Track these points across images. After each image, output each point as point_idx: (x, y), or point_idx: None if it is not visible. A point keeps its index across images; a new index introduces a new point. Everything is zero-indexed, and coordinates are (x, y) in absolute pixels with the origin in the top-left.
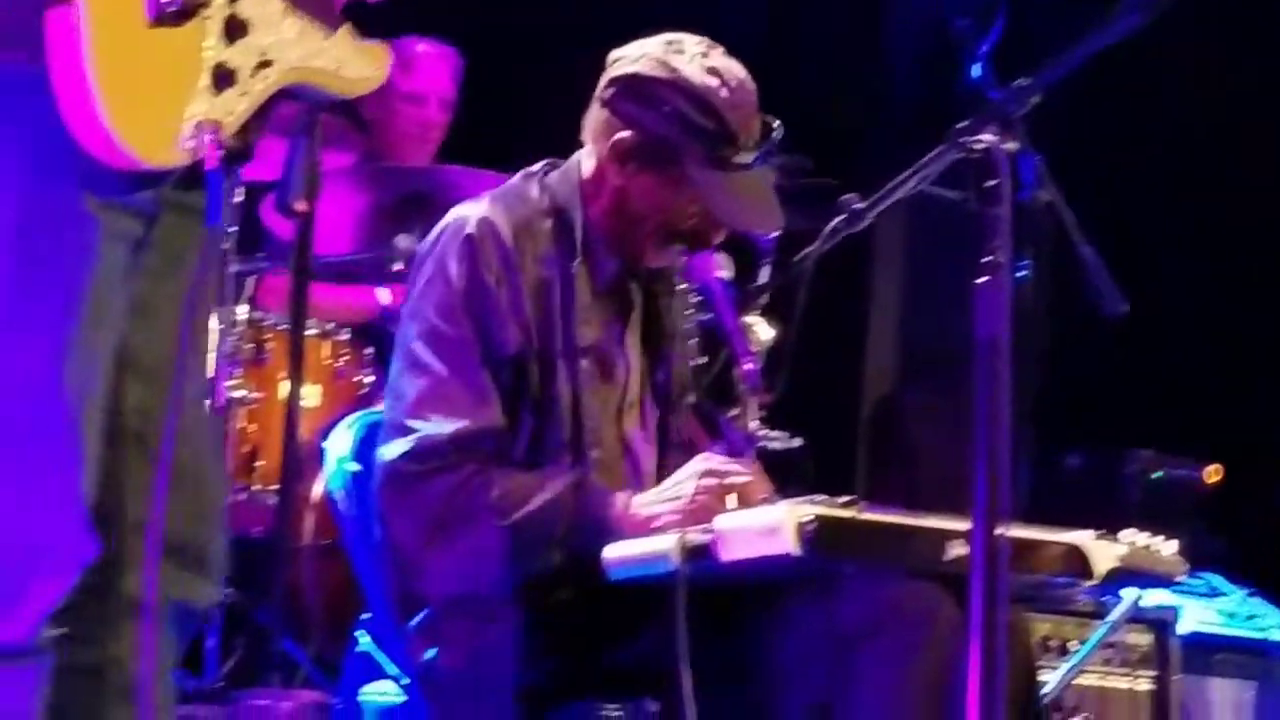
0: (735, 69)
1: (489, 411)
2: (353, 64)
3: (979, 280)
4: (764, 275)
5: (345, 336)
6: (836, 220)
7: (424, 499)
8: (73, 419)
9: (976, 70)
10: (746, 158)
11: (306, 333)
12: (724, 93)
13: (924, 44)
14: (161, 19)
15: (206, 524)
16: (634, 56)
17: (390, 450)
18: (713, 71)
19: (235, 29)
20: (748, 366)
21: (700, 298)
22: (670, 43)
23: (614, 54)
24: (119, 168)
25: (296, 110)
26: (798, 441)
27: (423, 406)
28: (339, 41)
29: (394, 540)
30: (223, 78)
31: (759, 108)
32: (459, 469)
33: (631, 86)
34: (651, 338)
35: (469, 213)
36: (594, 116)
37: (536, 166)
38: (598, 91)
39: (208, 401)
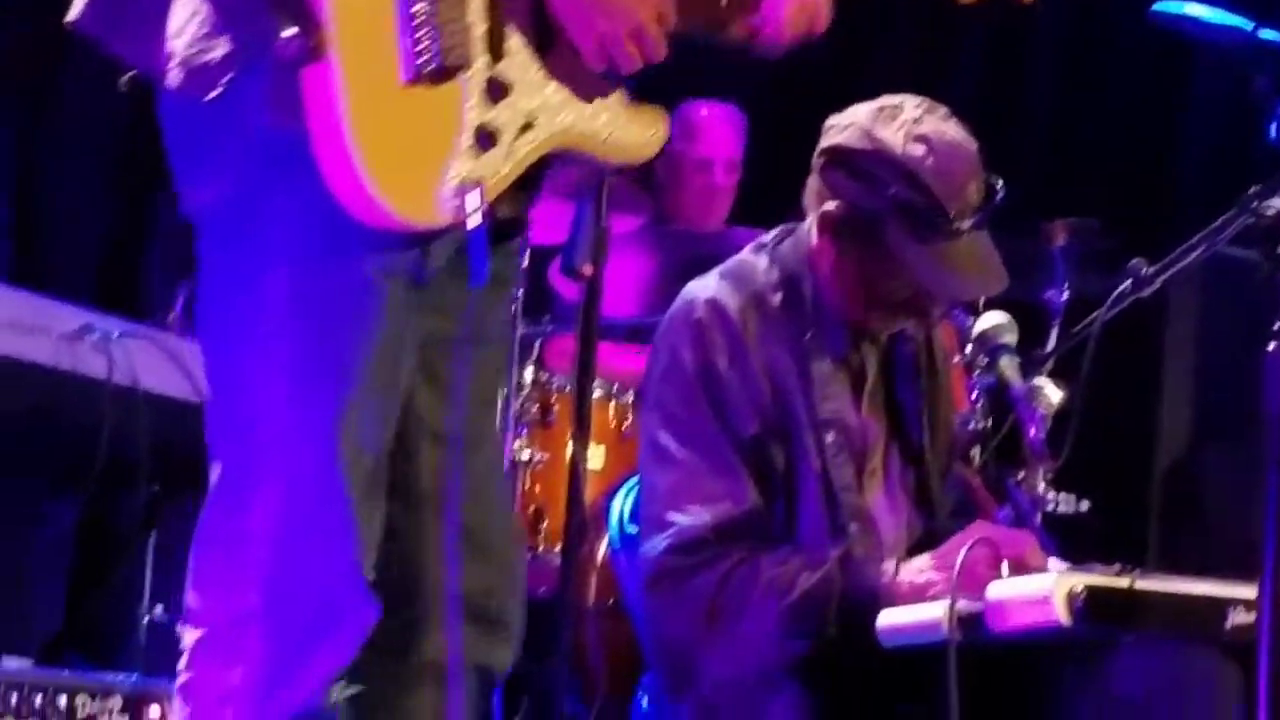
0: (949, 133)
1: (744, 494)
2: (626, 130)
3: (1270, 349)
4: (1052, 338)
5: (630, 399)
6: (1124, 285)
7: (693, 594)
8: (349, 487)
9: (1273, 131)
10: (962, 224)
11: (592, 395)
12: (930, 161)
13: (1222, 103)
14: (419, 79)
15: (502, 587)
16: (842, 125)
17: (653, 547)
18: (920, 139)
19: (497, 90)
20: (1033, 431)
21: (987, 360)
22: (883, 109)
23: (829, 120)
24: (380, 227)
25: (582, 174)
26: (1085, 505)
27: (678, 498)
28: (611, 107)
29: (667, 635)
30: (485, 138)
31: (980, 168)
32: (724, 559)
33: (837, 157)
34: (891, 402)
35: (697, 294)
36: (810, 184)
37: (769, 236)
38: (814, 158)
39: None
